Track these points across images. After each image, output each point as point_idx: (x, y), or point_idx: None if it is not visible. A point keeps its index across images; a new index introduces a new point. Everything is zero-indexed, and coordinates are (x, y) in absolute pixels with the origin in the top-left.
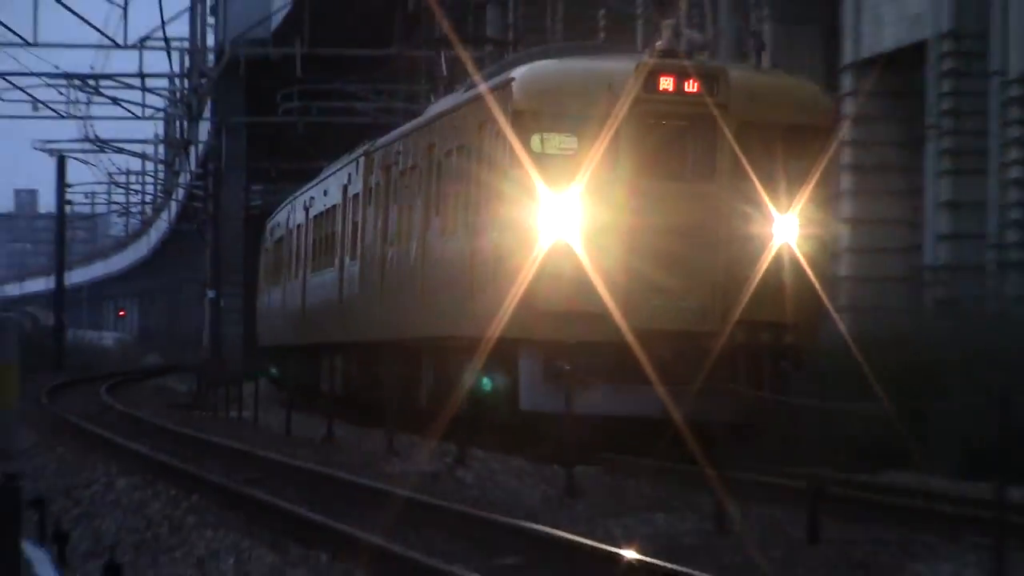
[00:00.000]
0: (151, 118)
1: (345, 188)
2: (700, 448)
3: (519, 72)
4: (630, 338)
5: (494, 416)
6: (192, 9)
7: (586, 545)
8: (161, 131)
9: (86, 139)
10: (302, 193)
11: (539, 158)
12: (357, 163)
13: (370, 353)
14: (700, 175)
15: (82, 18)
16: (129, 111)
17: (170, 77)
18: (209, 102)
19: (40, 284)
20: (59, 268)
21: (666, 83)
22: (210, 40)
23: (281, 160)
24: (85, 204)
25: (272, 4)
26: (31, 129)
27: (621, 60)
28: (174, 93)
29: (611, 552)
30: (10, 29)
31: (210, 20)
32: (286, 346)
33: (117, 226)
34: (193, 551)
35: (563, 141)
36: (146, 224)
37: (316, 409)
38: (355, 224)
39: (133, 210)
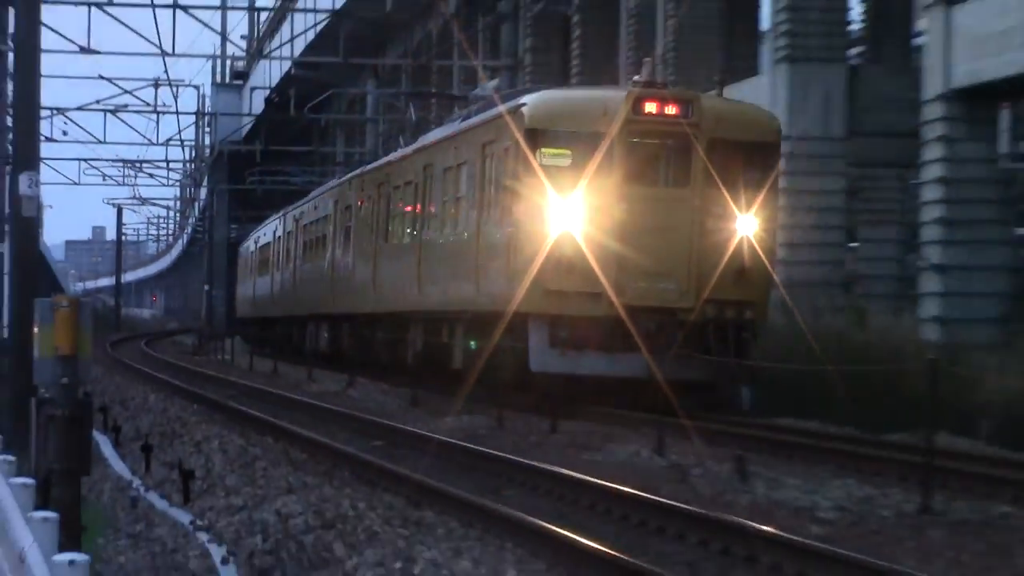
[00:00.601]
0: (172, 185)
1: (336, 203)
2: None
3: (529, 99)
4: (621, 313)
5: (507, 376)
6: (197, 122)
7: (421, 433)
8: (178, 193)
9: (135, 197)
10: (290, 211)
11: (547, 168)
12: (349, 183)
13: (359, 322)
14: (677, 182)
15: (133, 128)
16: (160, 181)
17: (183, 162)
18: (206, 176)
19: (106, 281)
20: (117, 272)
21: (650, 107)
22: (207, 140)
23: (248, 210)
24: (133, 235)
25: (242, 120)
26: (102, 191)
27: (611, 89)
28: (186, 171)
29: (433, 436)
30: (88, 132)
31: (207, 129)
32: (269, 317)
33: (152, 248)
34: (193, 437)
35: (566, 154)
36: (169, 247)
37: (267, 354)
38: (347, 228)
39: (162, 239)
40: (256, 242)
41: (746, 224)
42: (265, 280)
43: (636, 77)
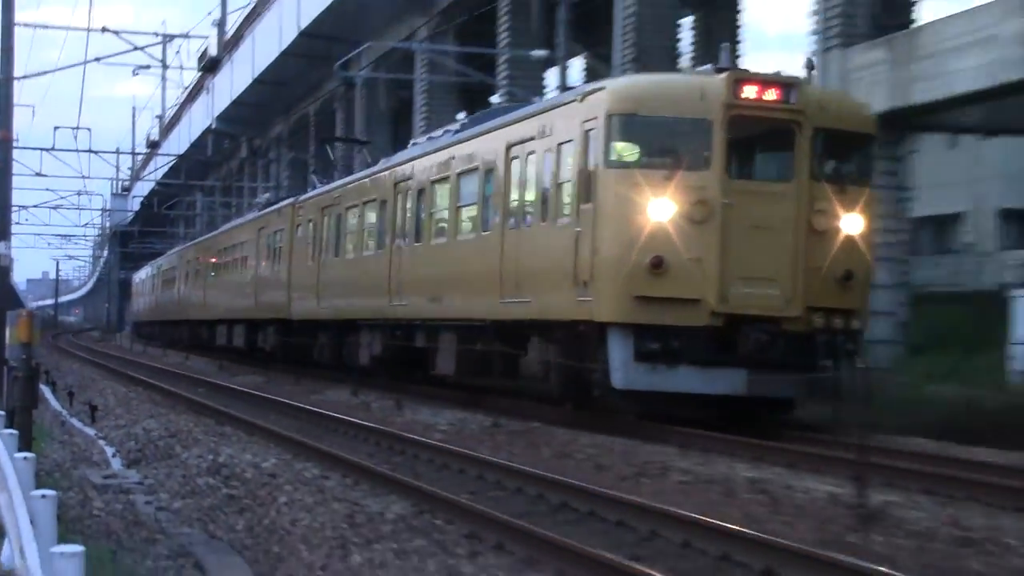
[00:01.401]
0: (88, 249)
1: (260, 230)
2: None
3: (611, 83)
4: (720, 322)
5: (568, 391)
6: (102, 214)
7: (225, 384)
8: (92, 253)
9: (67, 256)
10: (199, 241)
11: (634, 160)
12: (279, 212)
13: (292, 325)
14: (781, 174)
15: (66, 216)
16: (81, 247)
17: (95, 236)
18: (107, 244)
19: (50, 301)
20: (56, 296)
21: (750, 91)
22: (108, 224)
23: (130, 263)
24: (66, 276)
25: (127, 214)
26: (48, 251)
27: (701, 74)
28: (96, 241)
29: (231, 386)
30: (39, 219)
31: (108, 219)
32: (170, 320)
33: (74, 283)
34: (98, 387)
35: (657, 143)
36: (85, 283)
37: (151, 341)
38: (276, 248)
39: (81, 278)
40: (159, 267)
41: (852, 223)
42: (169, 293)
43: (711, 65)
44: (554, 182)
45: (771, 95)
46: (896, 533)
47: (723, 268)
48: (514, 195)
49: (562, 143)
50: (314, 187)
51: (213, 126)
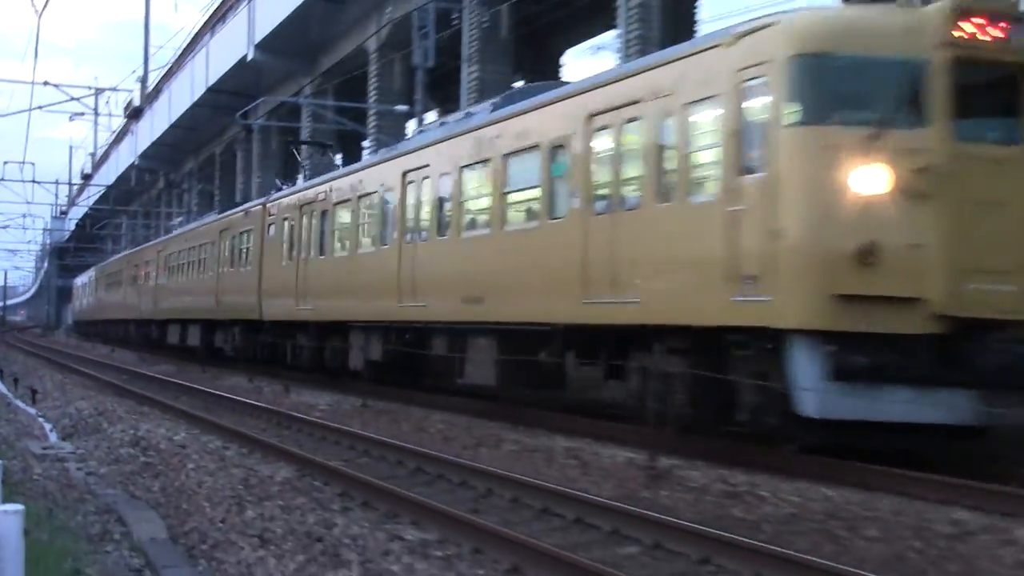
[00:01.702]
0: (33, 261)
1: (222, 232)
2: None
3: (784, 17)
4: (947, 329)
5: (725, 415)
6: (43, 233)
7: (145, 373)
8: (35, 264)
9: (14, 267)
10: (152, 245)
11: (828, 115)
12: (247, 213)
13: (264, 326)
14: (1005, 136)
15: (12, 235)
16: (26, 260)
17: (38, 251)
18: (48, 258)
19: None
20: (4, 300)
21: (973, 27)
22: (48, 241)
23: (67, 273)
24: (12, 284)
25: (64, 233)
26: None
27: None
28: (39, 255)
29: (151, 375)
30: None
31: (48, 236)
32: (115, 319)
33: (19, 289)
34: (38, 374)
35: (857, 93)
36: (29, 289)
37: (81, 337)
38: (243, 250)
39: (26, 285)
40: (102, 271)
41: None
42: (114, 294)
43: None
44: (680, 152)
45: (995, 32)
46: (678, 489)
47: (951, 257)
48: (602, 174)
49: (691, 102)
50: (278, 190)
51: (136, 162)
